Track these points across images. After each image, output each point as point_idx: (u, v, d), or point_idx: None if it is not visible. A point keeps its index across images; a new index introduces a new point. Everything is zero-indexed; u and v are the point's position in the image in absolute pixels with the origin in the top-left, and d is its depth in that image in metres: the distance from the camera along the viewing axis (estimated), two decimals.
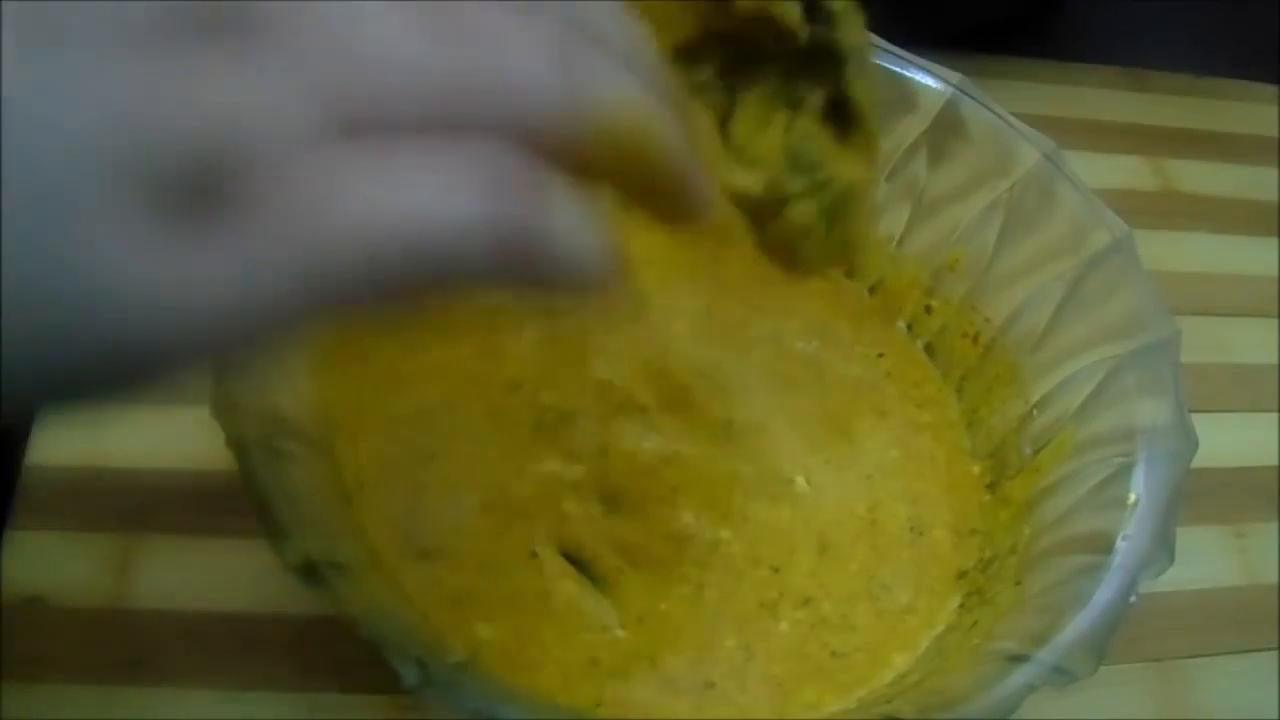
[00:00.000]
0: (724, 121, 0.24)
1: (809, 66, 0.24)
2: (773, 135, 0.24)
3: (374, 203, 0.14)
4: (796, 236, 0.24)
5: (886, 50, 0.37)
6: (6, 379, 0.13)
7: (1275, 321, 0.45)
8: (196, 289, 0.14)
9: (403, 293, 0.15)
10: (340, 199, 0.14)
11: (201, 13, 0.14)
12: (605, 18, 0.17)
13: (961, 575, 0.33)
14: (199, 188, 0.14)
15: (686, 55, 0.23)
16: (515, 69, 0.15)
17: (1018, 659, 0.26)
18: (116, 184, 0.13)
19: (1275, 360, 0.44)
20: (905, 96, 0.37)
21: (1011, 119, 0.36)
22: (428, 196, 0.15)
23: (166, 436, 0.35)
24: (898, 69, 0.37)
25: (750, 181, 0.23)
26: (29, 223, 0.13)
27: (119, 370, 0.14)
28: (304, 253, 0.14)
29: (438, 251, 0.15)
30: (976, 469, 0.35)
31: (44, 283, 0.13)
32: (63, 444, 0.35)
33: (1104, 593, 0.27)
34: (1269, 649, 0.36)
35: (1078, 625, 0.26)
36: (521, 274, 0.16)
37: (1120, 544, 0.28)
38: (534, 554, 0.31)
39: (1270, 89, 0.55)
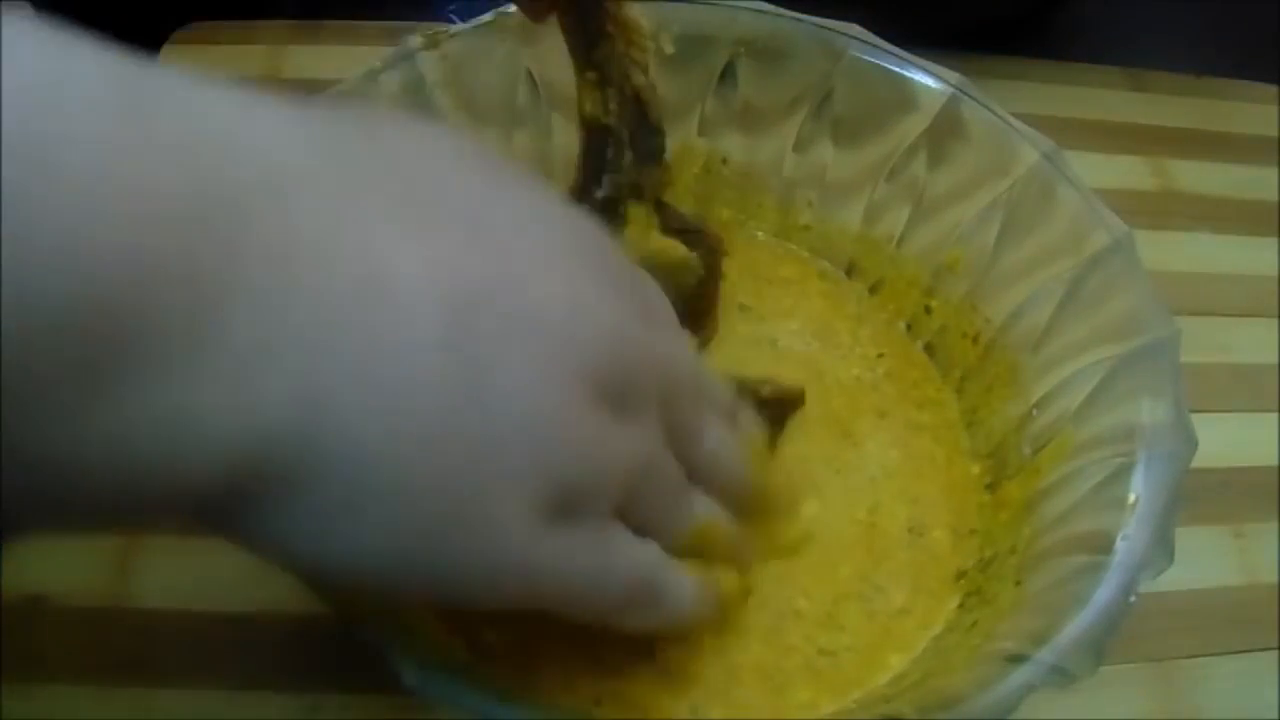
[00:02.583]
0: None
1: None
2: None
3: (631, 562, 0.24)
4: None
5: (886, 50, 0.37)
6: (380, 532, 0.19)
7: (1275, 321, 0.45)
8: (535, 565, 0.22)
9: (610, 605, 0.25)
10: (619, 548, 0.24)
11: (617, 387, 0.22)
12: (727, 468, 0.28)
13: (961, 575, 0.33)
14: (561, 508, 0.21)
15: None
16: (679, 516, 0.26)
17: (1017, 659, 0.26)
18: (527, 488, 0.21)
19: (1275, 360, 0.44)
20: (905, 96, 0.37)
21: (1011, 119, 0.36)
22: (647, 564, 0.25)
23: None
24: (898, 69, 0.37)
25: None
26: (475, 471, 0.20)
27: (469, 594, 0.22)
28: (594, 570, 0.23)
29: (638, 591, 0.25)
30: (976, 469, 0.35)
31: (455, 507, 0.20)
32: None
33: (1104, 593, 0.27)
34: (1269, 649, 0.36)
35: (1078, 625, 0.26)
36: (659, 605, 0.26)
37: (1120, 544, 0.28)
38: None
39: (1270, 89, 0.55)
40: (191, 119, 0.17)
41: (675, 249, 0.35)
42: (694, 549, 0.27)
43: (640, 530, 0.25)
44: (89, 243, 0.15)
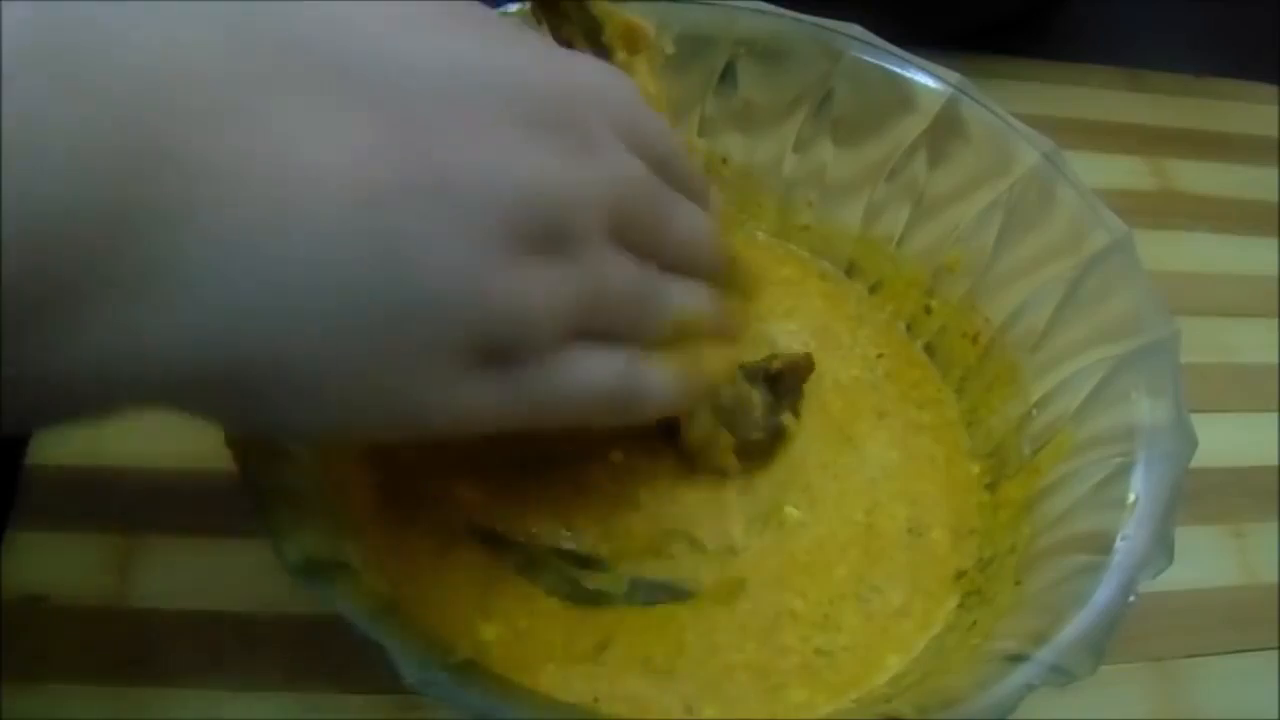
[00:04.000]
0: None
1: None
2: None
3: (588, 380, 0.25)
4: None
5: (886, 50, 0.37)
6: (330, 408, 0.22)
7: (1275, 321, 0.45)
8: (472, 409, 0.23)
9: (581, 416, 0.26)
10: (571, 372, 0.25)
11: (544, 234, 0.23)
12: (700, 252, 0.29)
13: (960, 575, 0.33)
14: (493, 355, 0.23)
15: None
16: (649, 316, 0.27)
17: (1017, 658, 0.26)
18: (450, 349, 0.22)
19: (1275, 360, 0.44)
20: (905, 96, 0.37)
21: (1011, 119, 0.36)
22: (611, 376, 0.26)
23: (166, 436, 0.35)
24: (898, 69, 0.37)
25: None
26: (397, 345, 0.22)
27: (393, 429, 0.24)
28: (543, 397, 0.25)
29: (594, 405, 0.26)
30: (976, 469, 0.35)
31: (381, 379, 0.22)
32: (63, 444, 0.35)
33: (1103, 592, 0.27)
34: (1268, 648, 0.36)
35: (1077, 625, 0.26)
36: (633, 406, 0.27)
37: (1119, 544, 0.28)
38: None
39: (1270, 89, 0.55)
40: (110, 53, 0.18)
41: None
42: (678, 334, 0.28)
43: (610, 341, 0.26)
44: (25, 202, 0.17)
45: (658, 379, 0.27)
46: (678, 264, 0.28)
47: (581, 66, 0.27)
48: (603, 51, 0.32)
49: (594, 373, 0.25)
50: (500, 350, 0.23)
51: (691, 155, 0.39)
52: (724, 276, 0.30)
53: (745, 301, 0.32)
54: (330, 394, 0.22)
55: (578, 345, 0.25)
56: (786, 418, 0.35)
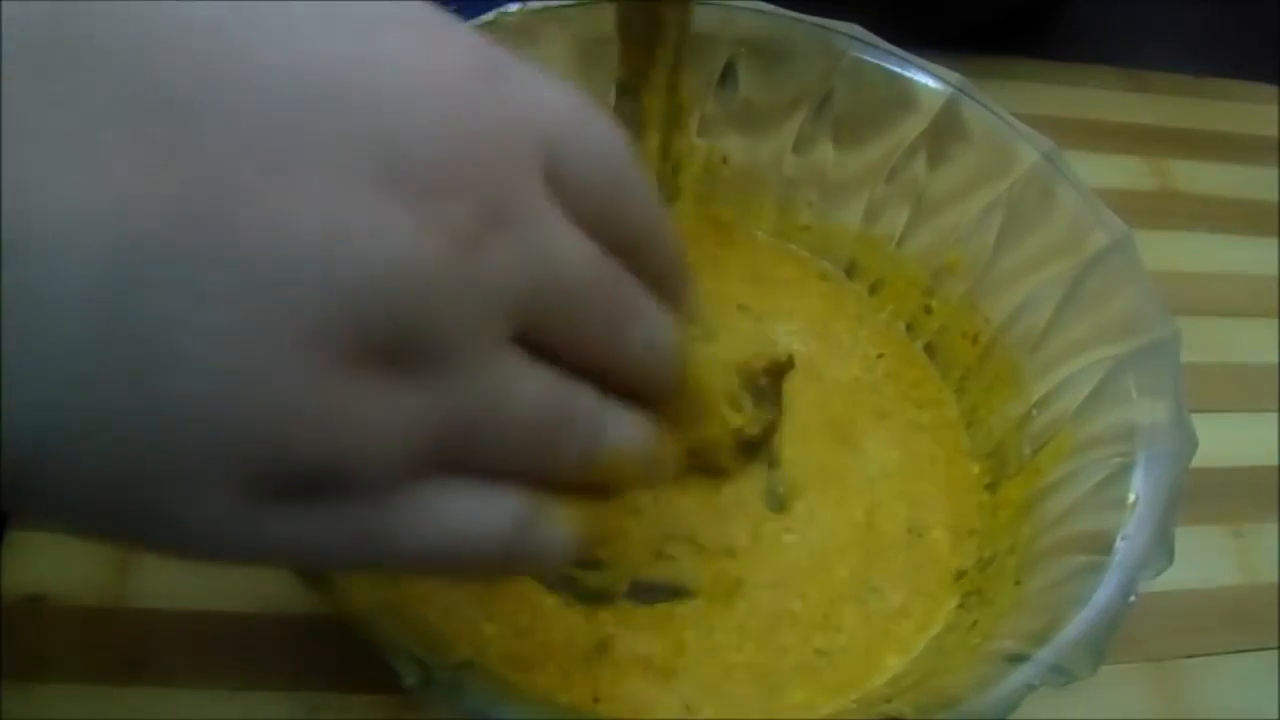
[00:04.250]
0: None
1: None
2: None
3: (455, 528, 0.19)
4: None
5: (886, 50, 0.37)
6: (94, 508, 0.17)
7: (1275, 321, 0.45)
8: (278, 548, 0.18)
9: (456, 570, 0.21)
10: (426, 518, 0.19)
11: (383, 332, 0.17)
12: (651, 371, 0.23)
13: (960, 575, 0.33)
14: (302, 488, 0.17)
15: None
16: (561, 454, 0.21)
17: (1017, 658, 0.26)
18: (229, 478, 0.17)
19: (1275, 360, 0.44)
20: (905, 96, 0.37)
21: (1011, 119, 0.36)
22: (496, 526, 0.20)
23: None
24: (898, 69, 0.37)
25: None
26: (151, 463, 0.16)
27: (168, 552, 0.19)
28: (390, 542, 0.19)
29: (459, 563, 0.20)
30: (976, 469, 0.35)
31: (141, 499, 0.17)
32: None
33: (1103, 592, 0.27)
34: (1268, 648, 0.36)
35: (1077, 625, 0.26)
36: (514, 570, 0.22)
37: (1119, 544, 0.28)
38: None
39: (1270, 89, 0.55)
40: None
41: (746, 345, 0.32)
42: (597, 475, 0.22)
43: (499, 480, 0.20)
44: None
45: (560, 537, 0.21)
46: (626, 384, 0.22)
47: (541, 93, 0.20)
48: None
49: (467, 520, 0.20)
50: (306, 486, 0.17)
51: (690, 158, 0.39)
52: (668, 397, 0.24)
53: (675, 435, 0.25)
54: (63, 506, 0.17)
55: (442, 484, 0.19)
56: (772, 411, 0.34)
